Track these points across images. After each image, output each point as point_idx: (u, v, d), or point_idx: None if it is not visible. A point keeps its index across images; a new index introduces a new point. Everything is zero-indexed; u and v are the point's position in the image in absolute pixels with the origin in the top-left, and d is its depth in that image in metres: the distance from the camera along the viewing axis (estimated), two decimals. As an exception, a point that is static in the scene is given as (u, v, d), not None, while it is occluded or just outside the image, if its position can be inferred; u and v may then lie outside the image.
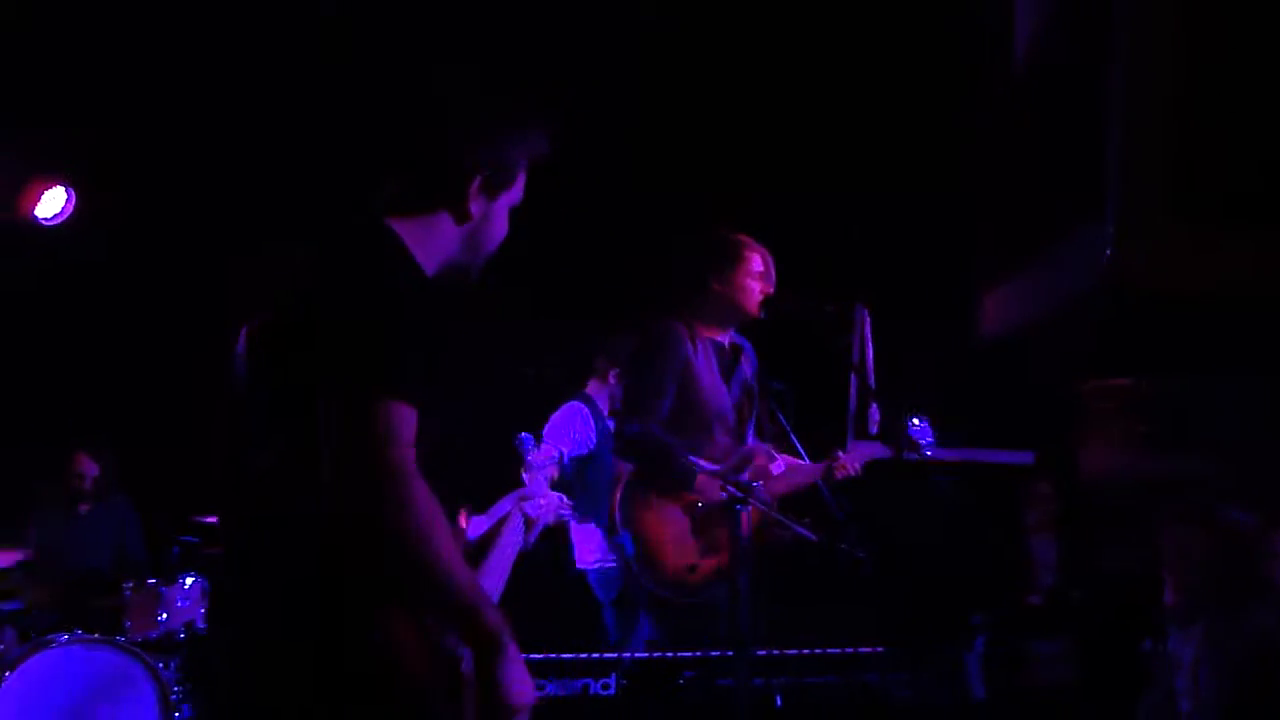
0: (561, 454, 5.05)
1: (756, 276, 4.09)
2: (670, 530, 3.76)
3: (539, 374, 3.88)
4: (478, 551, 2.57)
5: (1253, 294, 3.07)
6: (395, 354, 1.85)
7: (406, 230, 2.05)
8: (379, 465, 1.79)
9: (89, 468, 5.79)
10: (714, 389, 4.02)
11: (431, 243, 2.09)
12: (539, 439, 3.15)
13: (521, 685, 1.88)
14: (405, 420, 1.83)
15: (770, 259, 4.14)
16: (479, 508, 3.09)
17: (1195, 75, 2.79)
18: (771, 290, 4.10)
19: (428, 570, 1.81)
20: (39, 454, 5.90)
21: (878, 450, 4.18)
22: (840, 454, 4.10)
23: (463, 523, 2.65)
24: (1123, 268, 2.84)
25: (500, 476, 5.73)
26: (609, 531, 3.77)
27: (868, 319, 4.26)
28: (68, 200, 5.75)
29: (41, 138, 5.63)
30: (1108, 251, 2.84)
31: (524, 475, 2.98)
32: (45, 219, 5.72)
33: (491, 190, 2.13)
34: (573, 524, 5.18)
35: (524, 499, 2.80)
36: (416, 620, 1.87)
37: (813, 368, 4.30)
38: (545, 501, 2.84)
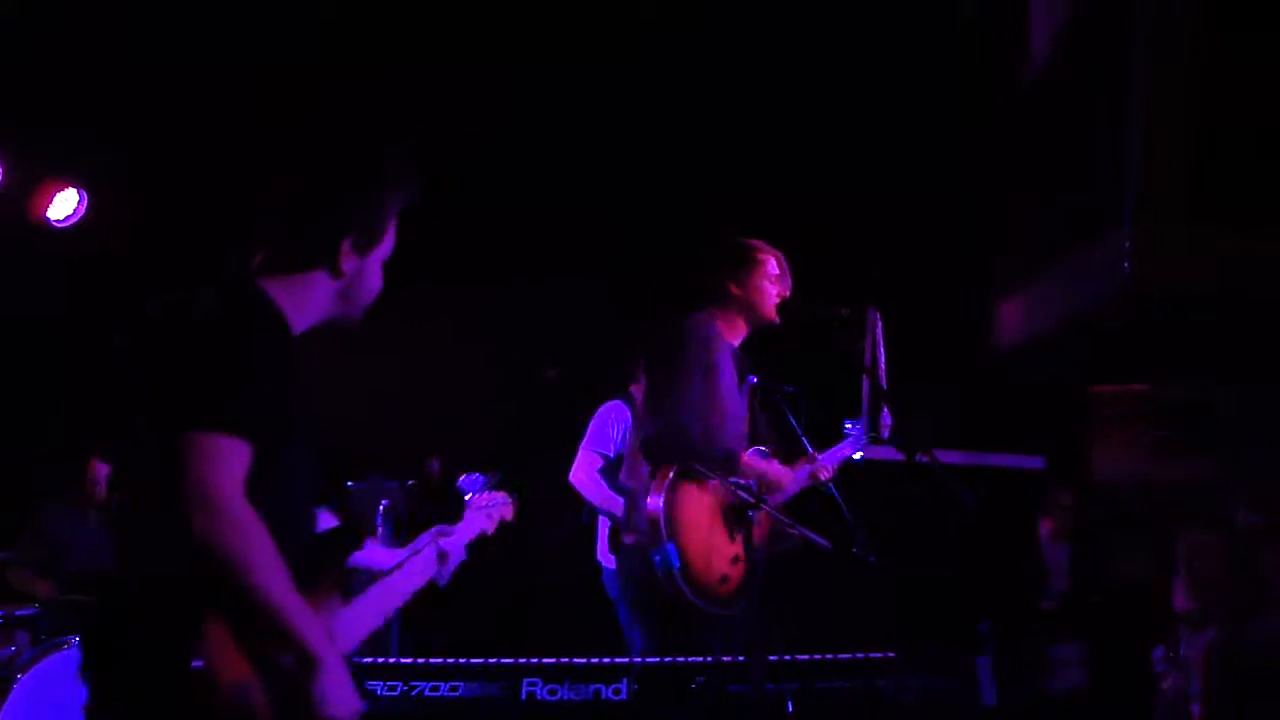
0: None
1: (773, 280, 4.11)
2: (709, 540, 3.72)
3: (559, 375, 3.89)
4: (374, 578, 2.60)
5: (1271, 300, 3.06)
6: (216, 390, 1.99)
7: (282, 289, 2.20)
8: (197, 493, 1.91)
9: (104, 472, 5.80)
10: (732, 390, 4.02)
11: (308, 300, 2.24)
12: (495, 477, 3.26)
13: (339, 699, 2.00)
14: (229, 451, 1.95)
15: (785, 263, 4.15)
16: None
17: (1214, 81, 2.78)
18: (788, 294, 4.12)
19: (247, 592, 1.93)
20: (53, 456, 5.92)
21: (847, 450, 4.20)
22: (820, 458, 4.13)
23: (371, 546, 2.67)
24: (1142, 275, 2.83)
25: (531, 473, 5.75)
26: (650, 541, 3.66)
27: (880, 322, 4.25)
28: (80, 202, 5.76)
29: (54, 139, 5.64)
30: (1126, 261, 2.84)
31: (465, 513, 3.06)
32: (57, 221, 5.73)
33: (363, 248, 2.26)
34: (603, 520, 5.21)
35: (441, 534, 2.86)
36: (239, 638, 1.96)
37: (825, 371, 4.30)
38: (457, 541, 2.90)
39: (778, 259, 4.17)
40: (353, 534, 2.59)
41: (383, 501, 6.25)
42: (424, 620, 6.30)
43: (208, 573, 1.92)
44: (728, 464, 3.84)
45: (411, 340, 6.72)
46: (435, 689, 3.21)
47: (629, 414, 5.36)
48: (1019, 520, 5.43)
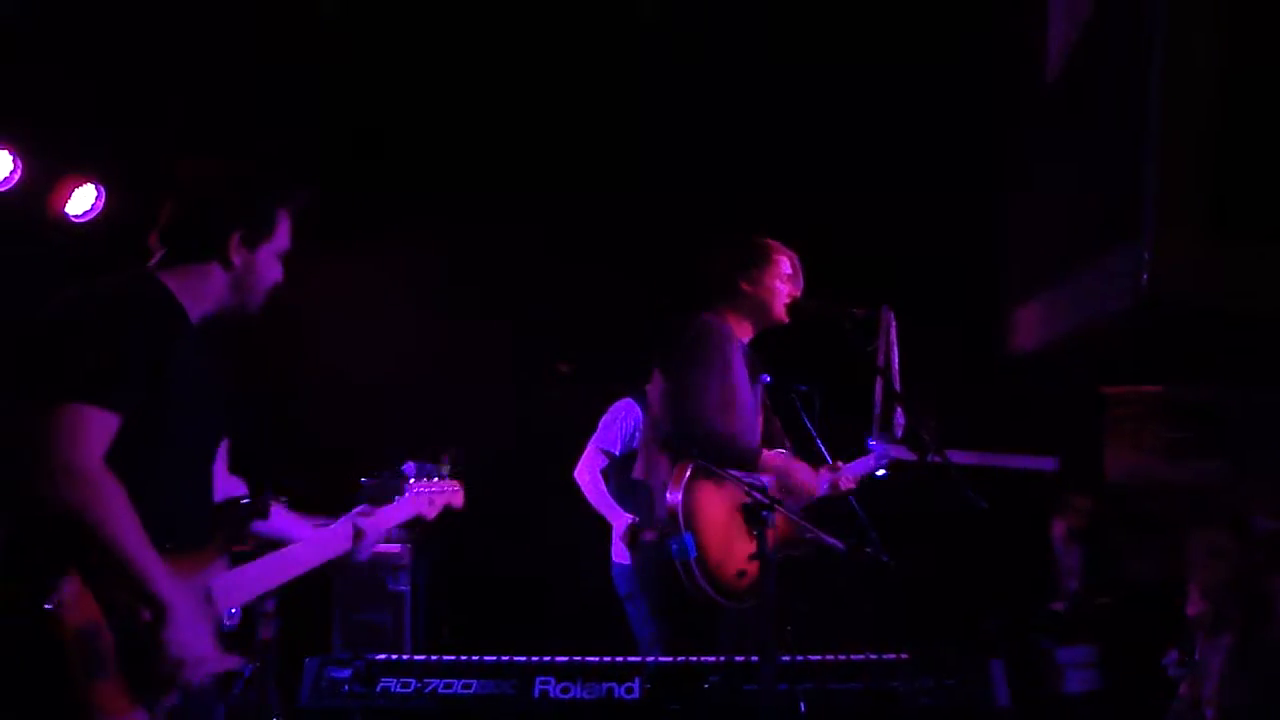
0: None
1: (785, 279, 4.11)
2: (727, 534, 3.75)
3: (572, 370, 3.89)
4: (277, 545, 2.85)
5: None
6: (84, 366, 2.26)
7: (178, 280, 2.52)
8: (59, 457, 2.19)
9: None
10: (744, 389, 4.02)
11: (204, 290, 2.56)
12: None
13: (187, 644, 2.27)
14: (90, 420, 2.23)
15: (799, 262, 4.15)
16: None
17: (1232, 91, 2.77)
18: (799, 294, 4.12)
19: (100, 546, 2.20)
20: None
21: (870, 465, 4.21)
22: (843, 469, 4.14)
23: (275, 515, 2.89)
24: (1160, 285, 2.82)
25: (539, 470, 5.74)
26: (668, 531, 3.69)
27: (894, 322, 4.25)
28: (98, 198, 5.77)
29: (72, 135, 5.65)
30: (1145, 272, 2.83)
31: (402, 497, 3.24)
32: (75, 216, 5.75)
33: (251, 242, 2.58)
34: (616, 521, 5.23)
35: (363, 514, 3.03)
36: (94, 588, 2.22)
37: (838, 371, 4.30)
38: (379, 522, 3.06)
39: (791, 259, 4.17)
40: (258, 504, 2.74)
41: (396, 496, 6.26)
42: (437, 617, 6.33)
43: (66, 528, 2.19)
44: (745, 460, 3.84)
45: (424, 335, 6.72)
46: (449, 686, 3.22)
47: (640, 412, 5.37)
48: (1031, 521, 5.41)
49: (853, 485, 4.16)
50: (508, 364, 6.41)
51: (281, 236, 2.64)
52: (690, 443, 3.76)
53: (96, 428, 2.24)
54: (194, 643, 2.29)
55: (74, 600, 2.19)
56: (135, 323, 2.36)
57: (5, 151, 5.28)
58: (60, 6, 5.22)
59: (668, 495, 3.71)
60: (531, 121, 6.46)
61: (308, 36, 5.90)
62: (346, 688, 3.24)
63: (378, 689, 3.24)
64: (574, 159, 6.48)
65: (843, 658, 3.31)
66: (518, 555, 6.61)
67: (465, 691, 3.21)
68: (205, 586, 2.45)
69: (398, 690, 3.23)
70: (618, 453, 5.34)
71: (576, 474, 5.39)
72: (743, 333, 4.13)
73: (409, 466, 3.40)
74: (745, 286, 4.10)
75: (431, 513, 3.26)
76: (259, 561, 2.74)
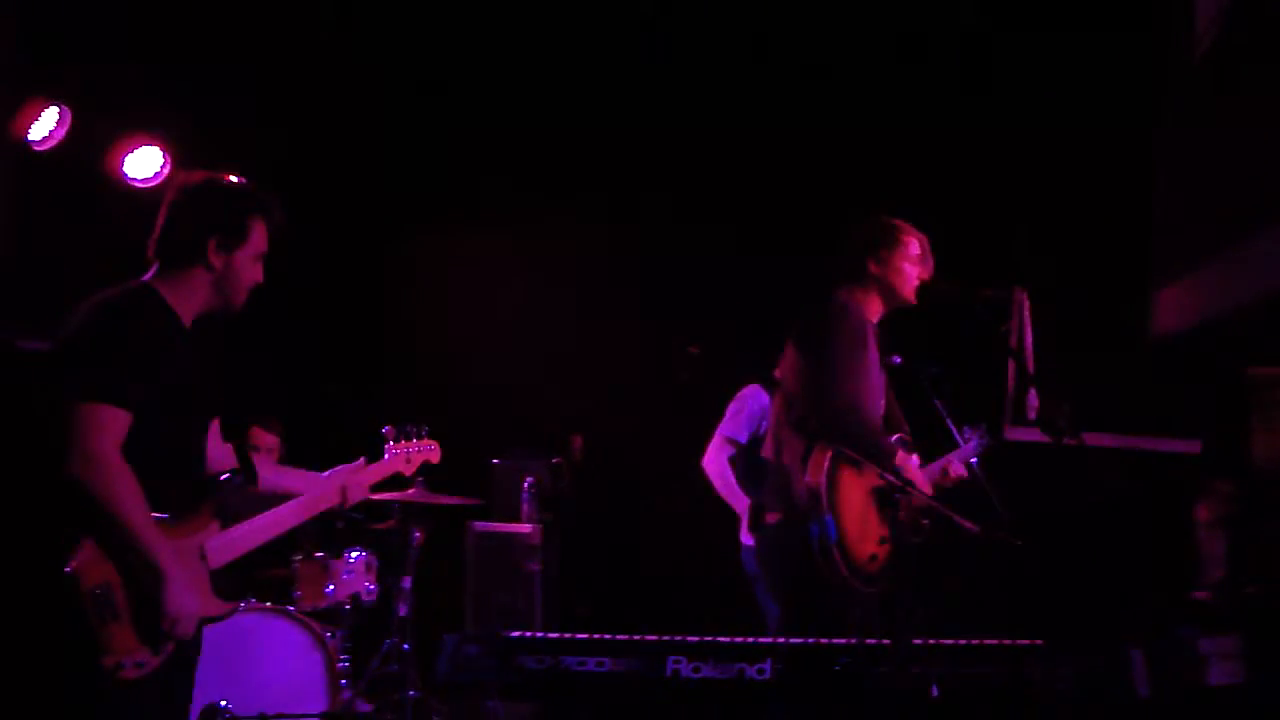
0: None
1: (914, 261, 4.08)
2: (863, 517, 3.75)
3: (701, 354, 3.93)
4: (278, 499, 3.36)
5: None
6: (100, 370, 2.77)
7: (169, 288, 2.99)
8: (81, 447, 2.71)
9: (266, 440, 5.97)
10: (876, 370, 4.01)
11: (190, 293, 3.01)
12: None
13: (178, 603, 2.78)
14: (109, 417, 2.75)
15: (928, 245, 4.11)
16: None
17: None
18: (928, 276, 4.08)
19: (112, 521, 2.73)
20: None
21: (975, 448, 4.14)
22: (952, 456, 4.09)
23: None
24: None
25: (669, 451, 5.77)
26: (810, 513, 3.70)
27: (1027, 304, 4.18)
28: (164, 163, 5.75)
29: (138, 98, 5.70)
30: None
31: (383, 456, 3.65)
32: (138, 180, 5.71)
33: (227, 247, 2.99)
34: (740, 507, 5.25)
35: (353, 472, 3.46)
36: (108, 553, 2.75)
37: (969, 354, 4.25)
38: (363, 479, 3.49)
39: (921, 241, 4.14)
40: (247, 475, 3.27)
41: (527, 478, 6.38)
42: (567, 596, 6.42)
43: (84, 505, 2.71)
44: (882, 443, 3.83)
45: (554, 319, 6.81)
46: (582, 664, 3.27)
47: (765, 397, 5.37)
48: (1174, 506, 5.26)
49: (964, 472, 4.11)
50: (638, 346, 6.46)
51: (257, 240, 3.05)
52: (828, 424, 3.75)
53: (113, 423, 2.76)
54: (187, 603, 2.81)
55: (89, 563, 2.74)
56: (137, 333, 2.87)
57: (54, 108, 5.35)
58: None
59: (807, 477, 3.72)
60: (659, 102, 6.48)
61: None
62: (483, 663, 3.31)
63: (513, 665, 3.30)
64: (697, 137, 6.49)
65: (976, 643, 3.26)
66: (647, 535, 6.67)
67: (598, 669, 3.25)
68: (200, 546, 2.98)
69: (532, 666, 3.29)
70: (744, 440, 5.34)
71: (704, 463, 5.41)
72: (872, 313, 4.11)
73: (387, 429, 3.75)
74: (873, 267, 4.08)
75: (409, 470, 3.69)
76: (250, 521, 3.20)
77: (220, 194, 3.05)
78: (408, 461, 3.71)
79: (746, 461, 5.29)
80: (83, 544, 2.74)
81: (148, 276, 3.03)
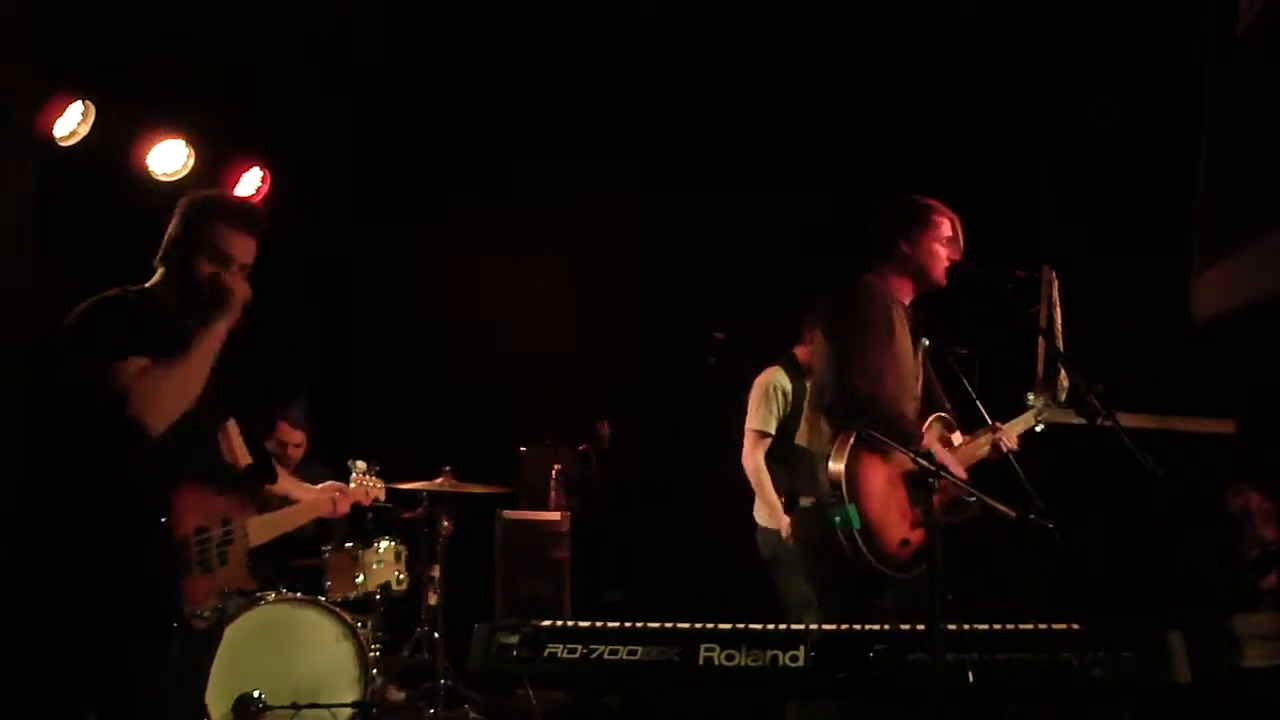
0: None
1: (945, 242, 4.03)
2: (887, 504, 3.71)
3: (727, 339, 3.91)
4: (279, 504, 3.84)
5: None
6: (104, 340, 2.97)
7: (166, 291, 3.18)
8: (122, 397, 2.92)
9: (292, 436, 5.99)
10: (906, 353, 3.96)
11: (185, 297, 3.16)
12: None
13: (194, 591, 3.00)
14: (135, 365, 2.95)
15: (960, 225, 4.06)
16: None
17: None
18: (959, 257, 4.03)
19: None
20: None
21: (1029, 422, 4.11)
22: (1001, 427, 4.04)
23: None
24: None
25: (695, 438, 5.74)
26: (832, 501, 3.66)
27: (1056, 282, 4.13)
28: (189, 158, 5.78)
29: (163, 93, 5.71)
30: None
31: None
32: (164, 174, 5.75)
33: (210, 261, 3.17)
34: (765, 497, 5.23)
35: (340, 492, 4.09)
36: (190, 512, 3.04)
37: (999, 334, 4.20)
38: (346, 496, 4.12)
39: (952, 221, 4.08)
40: (266, 473, 3.41)
41: (555, 466, 6.38)
42: (596, 585, 6.42)
43: (170, 465, 3.00)
44: (908, 428, 3.79)
45: (581, 307, 6.79)
46: (614, 652, 3.25)
47: (788, 380, 5.34)
48: (1211, 488, 5.21)
49: (1015, 445, 4.06)
50: (664, 332, 6.43)
51: (238, 253, 3.20)
52: (853, 410, 3.71)
53: (139, 368, 2.96)
54: (199, 591, 3.03)
55: (179, 517, 3.01)
56: (136, 320, 3.06)
57: (79, 103, 5.36)
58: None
59: (830, 464, 3.68)
60: (688, 93, 6.44)
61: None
62: (514, 652, 3.29)
63: (544, 654, 3.28)
64: (728, 125, 6.46)
65: (1011, 628, 3.22)
66: (674, 521, 6.66)
67: (630, 657, 3.23)
68: (243, 526, 3.23)
69: (564, 656, 3.27)
70: (774, 430, 5.30)
71: (744, 461, 5.38)
72: (903, 294, 4.06)
73: (351, 461, 4.61)
74: (904, 247, 4.03)
75: (365, 501, 4.52)
76: (262, 517, 3.54)
77: (195, 210, 3.22)
78: (365, 494, 4.47)
79: (777, 446, 5.26)
80: (172, 501, 2.99)
81: (152, 282, 3.22)
